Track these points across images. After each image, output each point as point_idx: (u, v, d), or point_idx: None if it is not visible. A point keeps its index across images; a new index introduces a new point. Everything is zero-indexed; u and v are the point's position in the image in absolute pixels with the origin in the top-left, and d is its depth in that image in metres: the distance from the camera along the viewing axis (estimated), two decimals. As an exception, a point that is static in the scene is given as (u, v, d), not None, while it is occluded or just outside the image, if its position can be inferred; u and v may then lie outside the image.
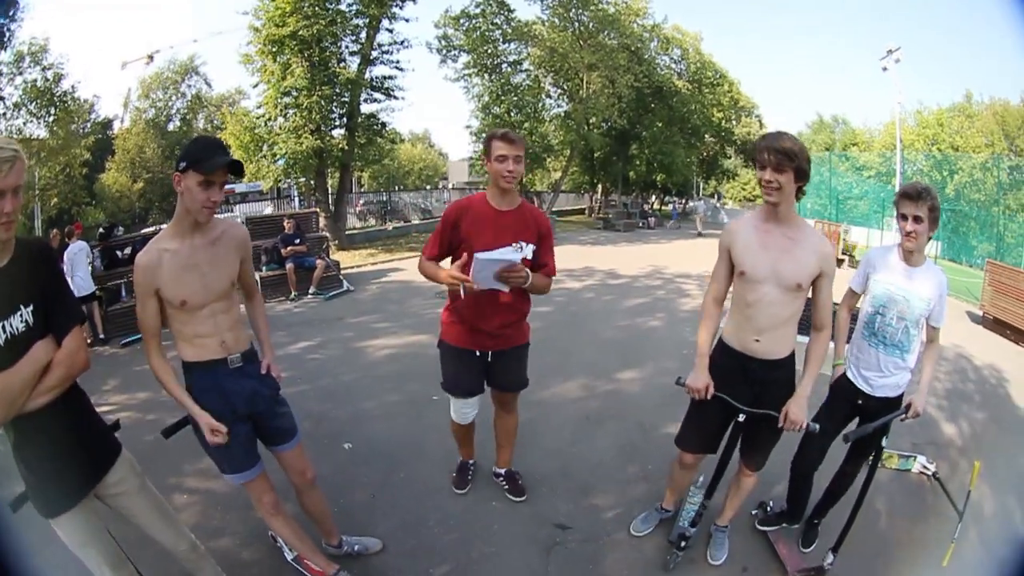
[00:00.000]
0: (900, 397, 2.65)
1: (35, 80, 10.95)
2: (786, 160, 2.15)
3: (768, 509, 3.15)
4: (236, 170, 2.04)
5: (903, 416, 2.56)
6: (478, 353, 2.90)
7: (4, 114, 10.39)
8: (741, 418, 2.48)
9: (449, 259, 2.76)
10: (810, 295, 2.42)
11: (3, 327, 1.63)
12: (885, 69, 17.09)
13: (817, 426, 2.42)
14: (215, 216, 2.15)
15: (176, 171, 1.99)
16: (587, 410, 4.61)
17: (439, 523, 3.11)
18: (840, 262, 13.80)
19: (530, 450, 3.83)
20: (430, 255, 2.80)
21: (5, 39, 9.85)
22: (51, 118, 11.51)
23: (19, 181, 1.58)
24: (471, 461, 3.51)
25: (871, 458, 2.69)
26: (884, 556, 2.90)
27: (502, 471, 3.44)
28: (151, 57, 23.26)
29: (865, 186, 21.47)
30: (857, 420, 2.76)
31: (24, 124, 10.92)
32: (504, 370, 2.99)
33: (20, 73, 10.70)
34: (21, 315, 1.69)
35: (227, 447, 2.17)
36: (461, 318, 2.87)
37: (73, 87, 12.19)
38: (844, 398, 2.75)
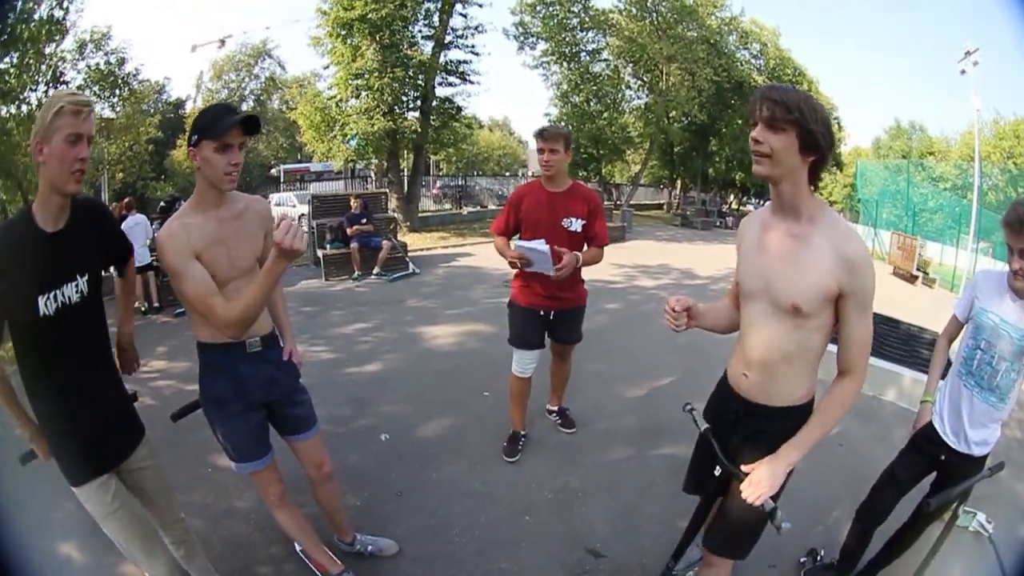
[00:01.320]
0: (985, 458, 2.23)
1: (97, 64, 11.50)
2: (781, 111, 1.50)
3: (819, 558, 2.72)
4: (250, 128, 1.88)
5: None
6: (542, 312, 3.38)
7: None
8: (717, 471, 1.90)
9: (517, 236, 3.36)
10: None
11: (55, 296, 1.65)
12: (963, 72, 15.31)
13: (781, 517, 1.63)
14: (237, 192, 2.05)
15: (189, 147, 1.87)
16: (646, 421, 4.19)
17: (464, 531, 2.88)
18: (913, 279, 12.80)
19: (578, 459, 3.58)
20: (499, 231, 3.41)
21: (66, 29, 10.37)
22: (115, 99, 12.10)
23: (93, 131, 1.65)
24: (523, 432, 3.71)
25: (946, 519, 2.30)
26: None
27: (555, 408, 4.00)
28: (223, 41, 23.84)
29: (940, 199, 20.14)
30: (935, 475, 2.37)
31: None
32: (563, 327, 3.48)
33: (83, 59, 11.31)
34: (77, 284, 1.72)
35: (236, 435, 2.10)
36: (528, 283, 3.36)
37: (137, 69, 12.77)
38: (926, 450, 2.35)
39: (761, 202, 32.61)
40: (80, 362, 1.82)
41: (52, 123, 1.56)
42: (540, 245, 3.01)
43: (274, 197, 18.95)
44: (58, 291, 1.66)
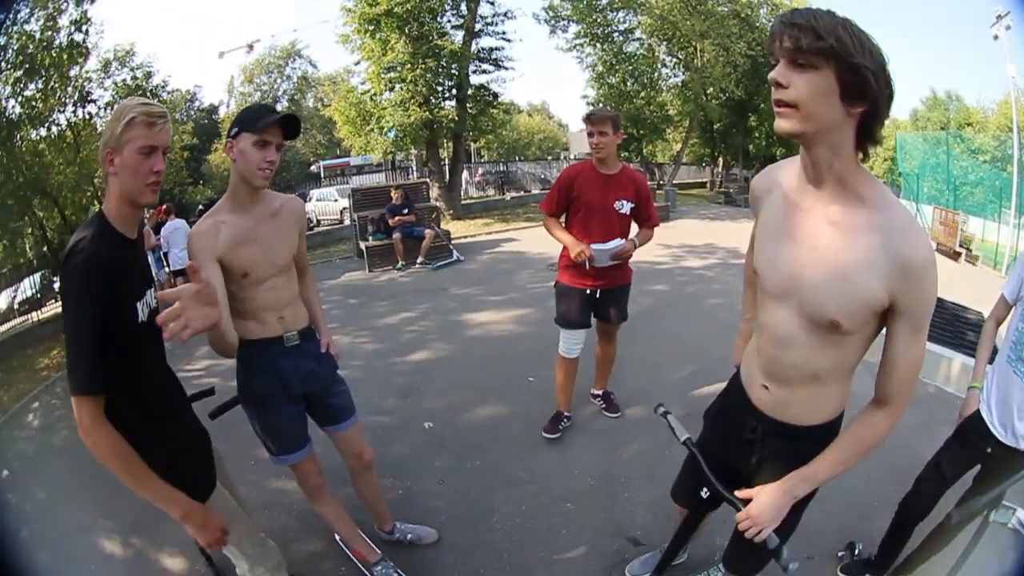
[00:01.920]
0: None
1: (124, 80, 11.79)
2: (809, 39, 1.06)
3: (857, 552, 2.55)
4: (289, 131, 1.94)
5: None
6: (588, 291, 3.37)
7: (97, 114, 11.23)
8: (704, 493, 1.62)
9: (564, 214, 3.39)
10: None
11: (146, 302, 1.65)
12: (996, 37, 14.44)
13: (787, 557, 1.40)
14: (271, 191, 2.09)
15: (228, 138, 1.90)
16: (692, 406, 3.95)
17: (504, 519, 2.90)
18: (956, 256, 12.09)
19: (622, 445, 3.55)
20: (549, 211, 3.39)
21: (87, 50, 10.65)
22: None
23: (169, 141, 1.60)
24: (567, 413, 3.73)
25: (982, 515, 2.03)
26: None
27: (599, 392, 4.00)
28: (251, 46, 24.05)
29: (980, 171, 18.75)
30: (979, 468, 2.19)
31: None
32: (609, 305, 3.47)
33: (108, 76, 11.60)
34: (152, 291, 1.71)
35: (276, 427, 2.13)
36: (574, 263, 3.27)
37: (164, 81, 13.09)
38: (972, 442, 2.16)
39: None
40: (169, 380, 1.84)
41: (123, 134, 1.49)
42: (616, 244, 3.19)
43: (315, 193, 19.12)
44: (145, 297, 1.63)
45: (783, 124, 1.16)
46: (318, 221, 16.98)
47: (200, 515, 1.64)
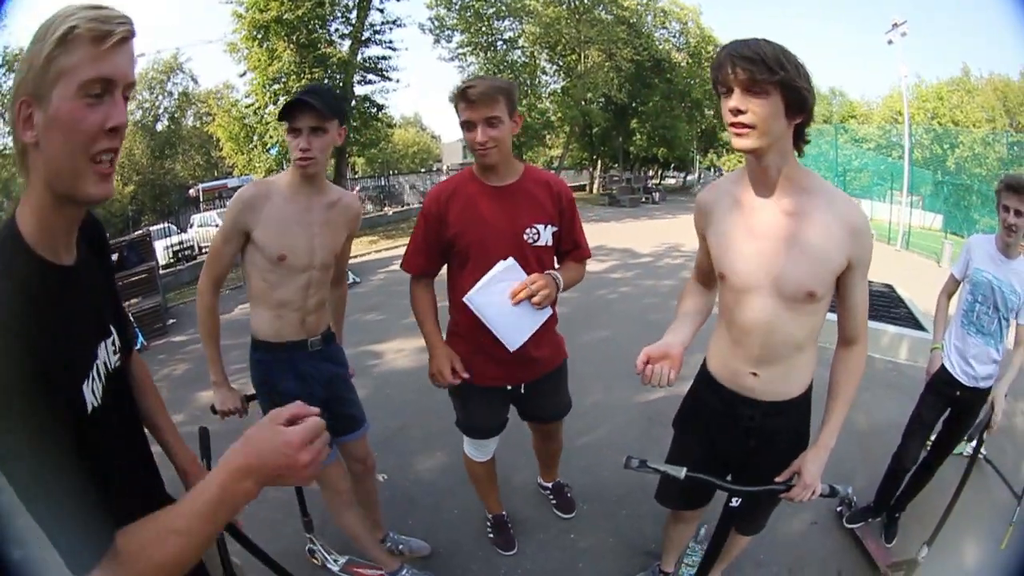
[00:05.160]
0: (988, 391, 2.50)
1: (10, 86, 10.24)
2: (762, 72, 1.25)
3: (853, 504, 2.88)
4: (321, 114, 1.81)
5: (988, 425, 2.43)
6: (509, 388, 2.24)
7: None
8: (735, 502, 1.63)
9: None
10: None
11: (98, 370, 0.97)
12: (891, 42, 16.40)
13: (850, 489, 1.71)
14: (333, 185, 2.08)
15: None
16: (649, 411, 3.98)
17: (513, 567, 2.60)
18: None
19: (597, 465, 3.32)
20: (418, 269, 2.15)
21: None
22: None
23: (133, 74, 0.88)
24: (504, 513, 2.76)
25: (972, 451, 2.63)
26: (944, 540, 2.49)
27: (549, 484, 3.00)
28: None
29: (865, 158, 21.36)
30: (949, 411, 2.65)
31: (3, 136, 10.25)
32: (542, 401, 2.34)
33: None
34: (112, 340, 1.07)
35: None
36: (476, 347, 2.12)
37: None
38: (943, 391, 2.61)
39: (717, 174, 33.63)
40: (139, 470, 1.16)
41: (51, 63, 0.79)
42: (504, 272, 1.98)
43: (195, 218, 17.60)
44: (98, 362, 0.97)
45: (743, 143, 1.35)
46: (199, 248, 15.50)
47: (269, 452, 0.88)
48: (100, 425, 0.92)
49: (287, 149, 9.93)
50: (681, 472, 1.55)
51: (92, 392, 0.92)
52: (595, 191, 26.88)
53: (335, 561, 2.51)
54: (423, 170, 33.27)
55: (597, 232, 13.97)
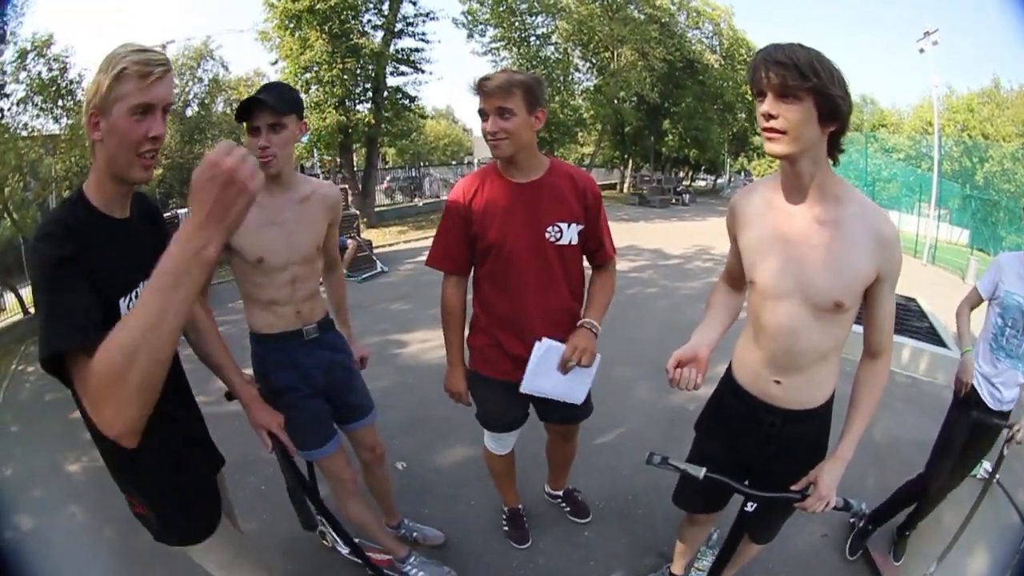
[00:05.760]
0: (1010, 413, 2.46)
1: (39, 72, 10.39)
2: (794, 77, 1.25)
3: (863, 516, 2.63)
4: (276, 108, 1.79)
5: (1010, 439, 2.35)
6: (520, 384, 2.12)
7: (10, 109, 9.96)
8: (750, 507, 1.65)
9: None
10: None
11: (136, 295, 1.31)
12: (922, 51, 15.91)
13: (855, 503, 1.60)
14: (305, 176, 2.08)
15: None
16: (671, 412, 3.95)
17: (525, 561, 2.61)
18: None
19: (616, 464, 3.31)
20: (444, 267, 2.12)
21: (6, 37, 9.34)
22: (60, 110, 10.95)
23: (171, 97, 1.27)
24: (520, 507, 2.77)
25: (989, 473, 2.58)
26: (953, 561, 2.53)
27: (559, 492, 2.91)
28: (164, 46, 22.82)
29: (894, 168, 20.80)
30: (970, 432, 2.49)
31: (32, 119, 10.46)
32: (556, 403, 2.17)
33: (25, 69, 10.18)
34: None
35: (300, 422, 1.98)
36: (494, 341, 2.14)
37: (80, 75, 11.57)
38: (968, 410, 2.45)
39: (747, 179, 33.19)
40: (169, 387, 1.36)
41: (111, 90, 1.18)
42: (545, 352, 2.01)
43: None
44: (138, 290, 1.31)
45: (775, 147, 1.35)
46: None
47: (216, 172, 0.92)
48: None
49: (318, 136, 10.10)
50: (700, 472, 1.58)
51: (126, 308, 1.28)
52: (625, 190, 26.62)
53: (343, 544, 2.50)
54: (454, 163, 33.41)
55: (627, 231, 13.95)
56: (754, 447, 1.73)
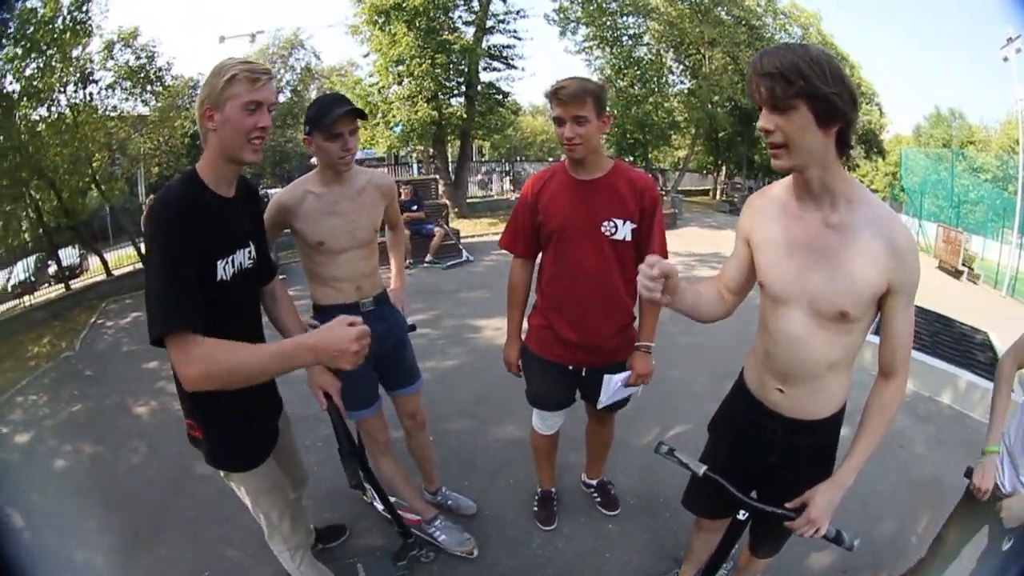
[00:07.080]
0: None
1: (127, 60, 11.40)
2: (782, 86, 1.20)
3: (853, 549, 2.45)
4: (359, 115, 2.08)
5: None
6: (570, 367, 2.36)
7: (99, 93, 10.85)
8: (742, 515, 1.65)
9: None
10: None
11: (232, 261, 1.61)
12: (1006, 59, 14.31)
13: (849, 537, 1.50)
14: (360, 168, 2.28)
15: (305, 135, 2.08)
16: None
17: (546, 543, 2.77)
18: (958, 274, 11.88)
19: (655, 464, 3.32)
20: (513, 248, 2.38)
21: (91, 31, 10.31)
22: (148, 94, 12.01)
23: (274, 97, 1.57)
24: (553, 490, 2.95)
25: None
26: None
27: (593, 482, 3.05)
28: (253, 36, 23.59)
29: (982, 190, 18.73)
30: (987, 529, 2.05)
31: (121, 103, 11.49)
32: (599, 388, 2.37)
33: (112, 58, 11.19)
34: (249, 251, 1.71)
35: (348, 385, 2.10)
36: (548, 321, 2.33)
37: (168, 63, 12.57)
38: (986, 509, 1.95)
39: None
40: (252, 334, 1.75)
41: (224, 91, 1.46)
42: (615, 389, 2.35)
43: None
44: (233, 256, 1.61)
45: (780, 163, 1.32)
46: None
47: (332, 338, 1.35)
48: (224, 291, 1.55)
49: (412, 127, 10.42)
50: (701, 469, 1.63)
51: (223, 270, 1.56)
52: (717, 198, 25.83)
53: (380, 501, 2.68)
54: (550, 159, 33.56)
55: (712, 239, 13.57)
56: (758, 454, 1.71)
